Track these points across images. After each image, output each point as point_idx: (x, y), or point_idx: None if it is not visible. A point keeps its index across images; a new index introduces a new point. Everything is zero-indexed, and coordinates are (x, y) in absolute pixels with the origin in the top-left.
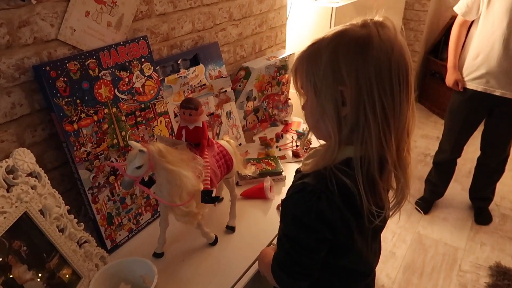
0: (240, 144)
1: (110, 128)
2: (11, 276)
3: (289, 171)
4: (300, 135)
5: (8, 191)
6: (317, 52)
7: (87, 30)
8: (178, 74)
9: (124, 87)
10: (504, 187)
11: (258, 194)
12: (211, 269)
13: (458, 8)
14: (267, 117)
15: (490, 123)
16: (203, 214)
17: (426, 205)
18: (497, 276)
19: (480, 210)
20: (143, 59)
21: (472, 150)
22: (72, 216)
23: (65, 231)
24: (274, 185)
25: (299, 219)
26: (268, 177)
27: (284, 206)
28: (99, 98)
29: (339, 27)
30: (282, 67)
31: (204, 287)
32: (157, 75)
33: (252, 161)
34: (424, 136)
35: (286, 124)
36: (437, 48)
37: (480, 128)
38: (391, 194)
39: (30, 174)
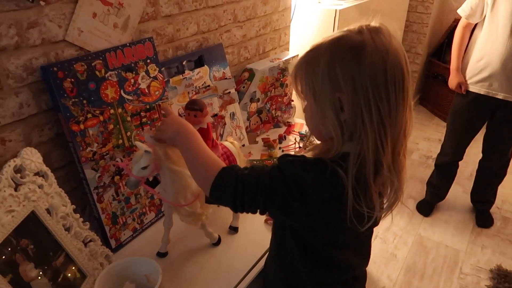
0: (243, 145)
1: (115, 129)
2: (18, 273)
3: None
4: (303, 137)
5: (15, 190)
6: (315, 59)
7: (94, 31)
8: (182, 75)
9: (129, 88)
10: (506, 190)
11: None
12: (214, 269)
13: (462, 11)
14: (270, 118)
15: (492, 126)
16: (207, 214)
17: (427, 207)
18: (498, 279)
19: (482, 213)
20: (148, 60)
21: (474, 153)
22: (78, 215)
23: (71, 230)
24: None
25: (284, 168)
26: None
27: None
28: (105, 98)
29: (336, 33)
30: (285, 69)
31: (207, 286)
32: (162, 76)
33: (255, 162)
34: (426, 139)
35: (289, 126)
36: (440, 50)
37: (482, 131)
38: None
39: (37, 174)
